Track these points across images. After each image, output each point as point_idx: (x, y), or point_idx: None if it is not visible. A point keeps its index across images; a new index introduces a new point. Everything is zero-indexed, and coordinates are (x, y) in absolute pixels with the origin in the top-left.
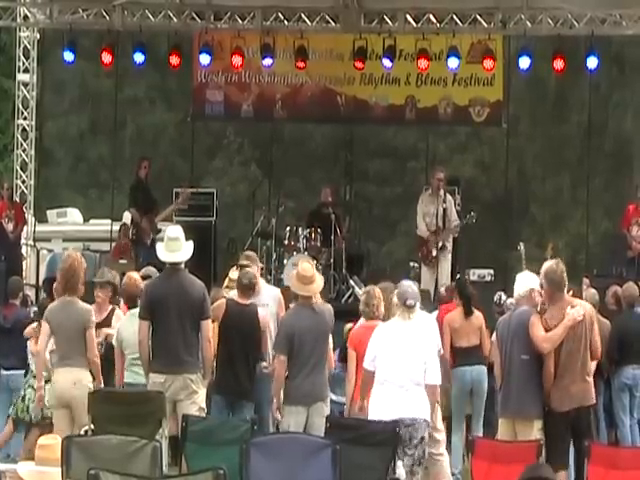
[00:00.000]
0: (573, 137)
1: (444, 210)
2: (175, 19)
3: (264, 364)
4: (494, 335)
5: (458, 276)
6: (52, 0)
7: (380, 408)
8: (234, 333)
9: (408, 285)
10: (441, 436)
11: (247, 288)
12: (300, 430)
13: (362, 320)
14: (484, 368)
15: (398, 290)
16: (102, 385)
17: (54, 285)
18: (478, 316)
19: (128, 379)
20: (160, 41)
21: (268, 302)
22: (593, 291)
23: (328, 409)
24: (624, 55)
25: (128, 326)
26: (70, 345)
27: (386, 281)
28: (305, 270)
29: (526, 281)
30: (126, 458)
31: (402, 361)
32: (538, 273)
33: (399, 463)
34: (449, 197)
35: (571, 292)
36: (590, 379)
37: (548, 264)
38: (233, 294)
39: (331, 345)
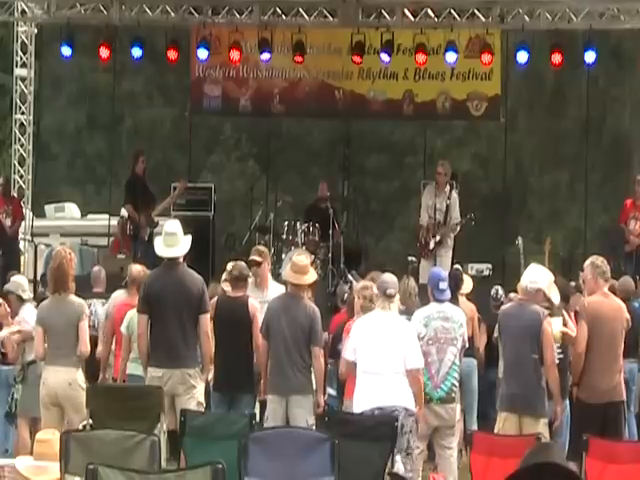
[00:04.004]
0: (571, 132)
1: (447, 206)
2: (173, 14)
3: None
4: (496, 326)
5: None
6: None
7: (361, 398)
8: (225, 327)
9: (387, 276)
10: (453, 430)
11: (237, 280)
12: (278, 420)
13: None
14: (473, 361)
15: (378, 281)
16: (109, 379)
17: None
18: (470, 307)
19: (135, 371)
20: (158, 36)
21: None
22: None
23: (310, 402)
24: (622, 49)
25: None
26: (63, 343)
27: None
28: (300, 260)
29: (536, 277)
30: (125, 453)
31: (380, 350)
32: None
33: (397, 457)
34: (454, 194)
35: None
36: (620, 375)
37: (594, 257)
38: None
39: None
